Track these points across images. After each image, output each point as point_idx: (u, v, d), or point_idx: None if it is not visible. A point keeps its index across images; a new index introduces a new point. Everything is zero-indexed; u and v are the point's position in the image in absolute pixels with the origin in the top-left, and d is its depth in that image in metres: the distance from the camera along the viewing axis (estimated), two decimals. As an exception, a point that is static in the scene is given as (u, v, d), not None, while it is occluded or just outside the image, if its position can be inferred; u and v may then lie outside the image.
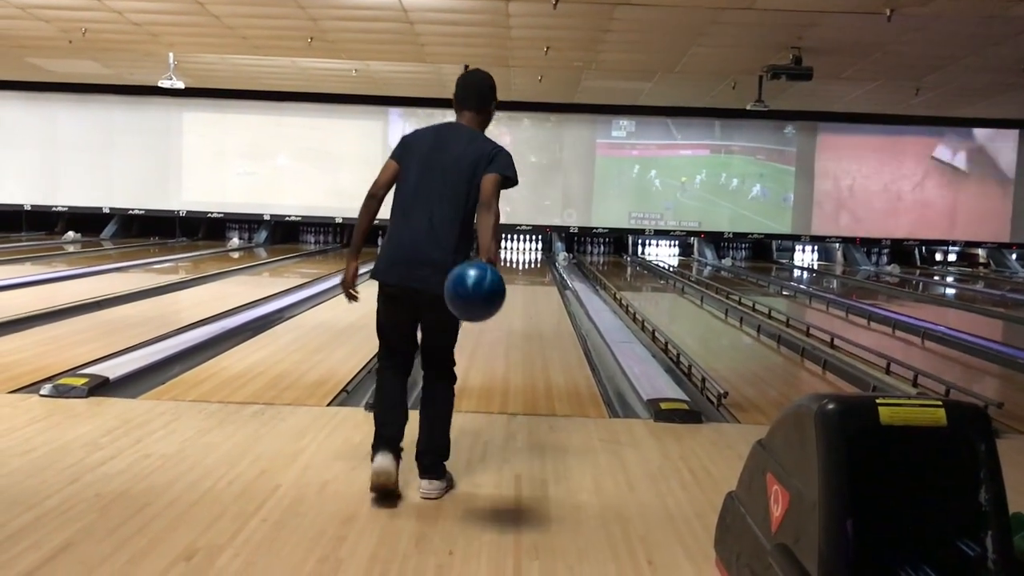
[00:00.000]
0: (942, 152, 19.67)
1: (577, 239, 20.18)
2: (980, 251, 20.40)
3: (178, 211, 19.51)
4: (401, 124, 19.32)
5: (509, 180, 3.43)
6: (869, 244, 20.23)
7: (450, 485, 3.47)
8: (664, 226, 19.75)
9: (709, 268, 17.76)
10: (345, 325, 7.85)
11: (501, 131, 19.18)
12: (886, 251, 20.47)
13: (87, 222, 19.28)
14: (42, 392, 4.74)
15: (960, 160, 19.72)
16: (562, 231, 19.70)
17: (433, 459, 3.41)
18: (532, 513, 3.27)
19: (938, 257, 20.66)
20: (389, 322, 3.53)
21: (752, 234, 19.93)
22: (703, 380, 5.71)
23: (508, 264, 17.04)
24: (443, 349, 3.49)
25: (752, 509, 2.49)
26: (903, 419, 2.09)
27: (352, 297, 3.64)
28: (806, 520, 2.07)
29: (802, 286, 14.43)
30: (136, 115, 19.11)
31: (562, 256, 17.86)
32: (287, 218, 19.67)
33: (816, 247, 20.80)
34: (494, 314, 3.03)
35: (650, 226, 19.77)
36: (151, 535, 2.91)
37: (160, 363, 5.71)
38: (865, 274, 17.89)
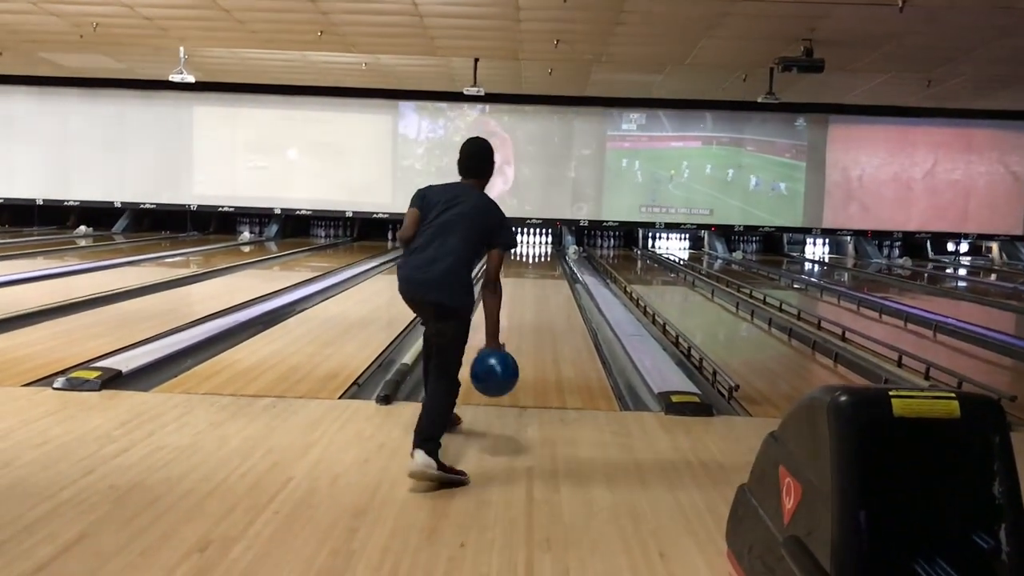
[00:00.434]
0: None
1: (587, 232, 20.16)
2: (993, 244, 20.29)
3: (189, 205, 19.57)
4: (411, 117, 19.34)
5: (510, 249, 4.17)
6: (880, 237, 20.15)
7: (443, 474, 3.44)
8: (674, 219, 19.70)
9: (720, 261, 17.72)
10: (356, 319, 7.87)
11: (512, 125, 19.18)
12: (898, 244, 20.39)
13: (99, 216, 19.37)
14: (56, 385, 4.77)
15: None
16: (572, 224, 19.68)
17: (416, 438, 3.53)
18: (543, 506, 3.27)
19: (950, 247, 20.54)
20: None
21: (763, 227, 19.87)
22: (714, 373, 5.70)
23: (518, 257, 17.04)
24: (442, 352, 3.83)
25: (764, 502, 2.49)
26: (916, 411, 2.08)
27: None
28: (819, 512, 2.07)
29: (813, 279, 14.38)
30: (147, 109, 19.18)
31: (572, 250, 17.84)
32: (297, 212, 19.72)
33: (827, 240, 20.73)
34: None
35: (660, 219, 19.73)
36: (165, 527, 2.93)
37: (172, 356, 5.74)
38: (876, 267, 17.82)
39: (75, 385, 4.75)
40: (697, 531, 3.07)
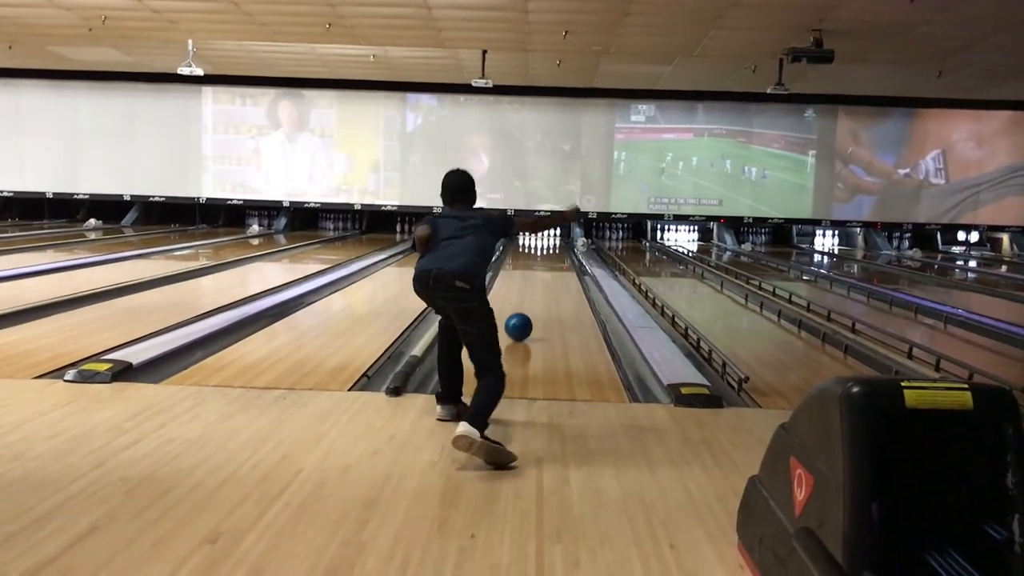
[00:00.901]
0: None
1: (596, 225, 20.13)
2: (1003, 235, 20.19)
3: (198, 198, 19.61)
4: (419, 109, 19.32)
5: (510, 230, 4.63)
6: (890, 228, 20.08)
7: (488, 443, 3.59)
8: (683, 210, 19.66)
9: (729, 253, 17.68)
10: (366, 311, 7.88)
11: (520, 117, 19.15)
12: (907, 235, 20.31)
13: (108, 209, 19.42)
14: (66, 377, 4.78)
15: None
16: (581, 217, 19.62)
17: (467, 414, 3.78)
18: (554, 497, 3.27)
19: (960, 236, 20.42)
20: None
21: (772, 219, 19.81)
22: (723, 365, 5.69)
23: (527, 250, 17.04)
24: (476, 348, 4.06)
25: (775, 493, 2.48)
26: (929, 402, 2.07)
27: None
28: (831, 504, 2.06)
29: (822, 271, 14.33)
30: (156, 102, 19.21)
31: (581, 242, 17.82)
32: (306, 205, 19.73)
33: (836, 232, 20.66)
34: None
35: (669, 211, 19.69)
36: (176, 518, 2.94)
37: (182, 349, 5.75)
38: (886, 258, 17.75)
39: (86, 377, 4.76)
40: (707, 522, 3.07)
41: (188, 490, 3.20)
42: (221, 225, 19.77)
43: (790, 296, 9.63)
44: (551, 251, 17.26)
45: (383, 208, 19.60)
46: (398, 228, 19.84)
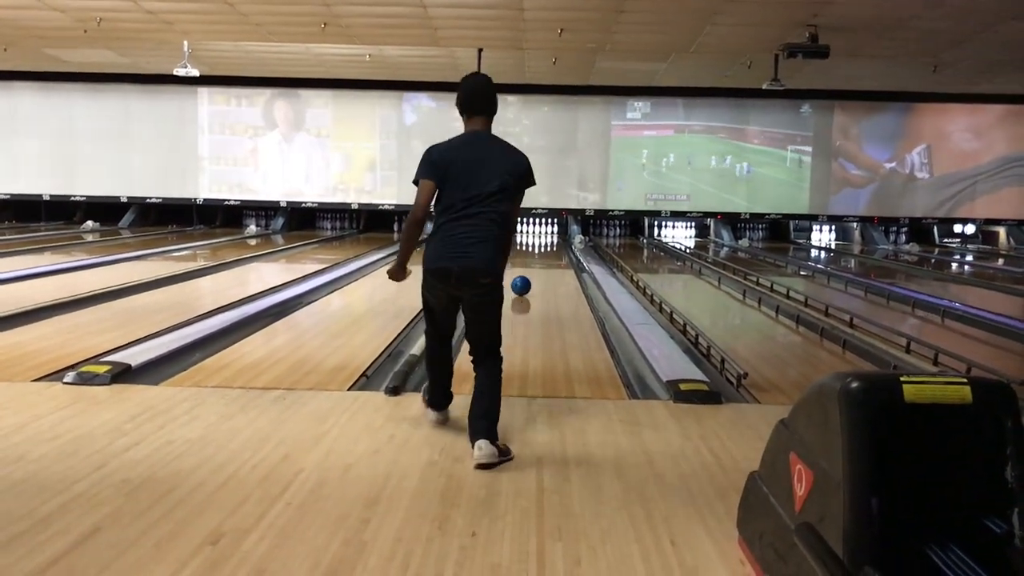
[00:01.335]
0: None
1: (593, 222, 20.14)
2: (1000, 228, 20.22)
3: (195, 199, 19.59)
4: (415, 107, 19.31)
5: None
6: (887, 223, 20.09)
7: (503, 459, 3.62)
8: (680, 207, 19.67)
9: (726, 249, 17.69)
10: (364, 310, 7.88)
11: (517, 115, 19.14)
12: (904, 230, 20.33)
13: (105, 211, 19.40)
14: (66, 380, 4.78)
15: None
16: (578, 214, 19.65)
17: (480, 425, 3.69)
18: (554, 495, 3.28)
19: (956, 229, 20.45)
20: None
21: (769, 214, 19.82)
22: (722, 361, 5.70)
23: (525, 248, 17.03)
24: (488, 329, 3.92)
25: (775, 489, 2.49)
26: (928, 397, 2.08)
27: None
28: (831, 499, 2.07)
29: (820, 266, 14.35)
30: (152, 103, 19.19)
31: (578, 239, 17.82)
32: (303, 205, 19.72)
33: (833, 227, 20.68)
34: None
35: (666, 208, 19.70)
36: (177, 519, 2.94)
37: (181, 350, 5.75)
38: (883, 253, 17.77)
39: (85, 380, 4.76)
40: (708, 519, 3.07)
41: (189, 491, 3.21)
42: (218, 226, 19.76)
43: (788, 291, 9.64)
44: (549, 249, 17.27)
45: (380, 207, 19.60)
46: (395, 227, 19.83)
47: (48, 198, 19.59)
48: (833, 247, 19.68)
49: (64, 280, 9.48)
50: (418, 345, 5.87)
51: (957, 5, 10.65)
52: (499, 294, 3.89)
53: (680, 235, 20.42)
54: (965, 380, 2.12)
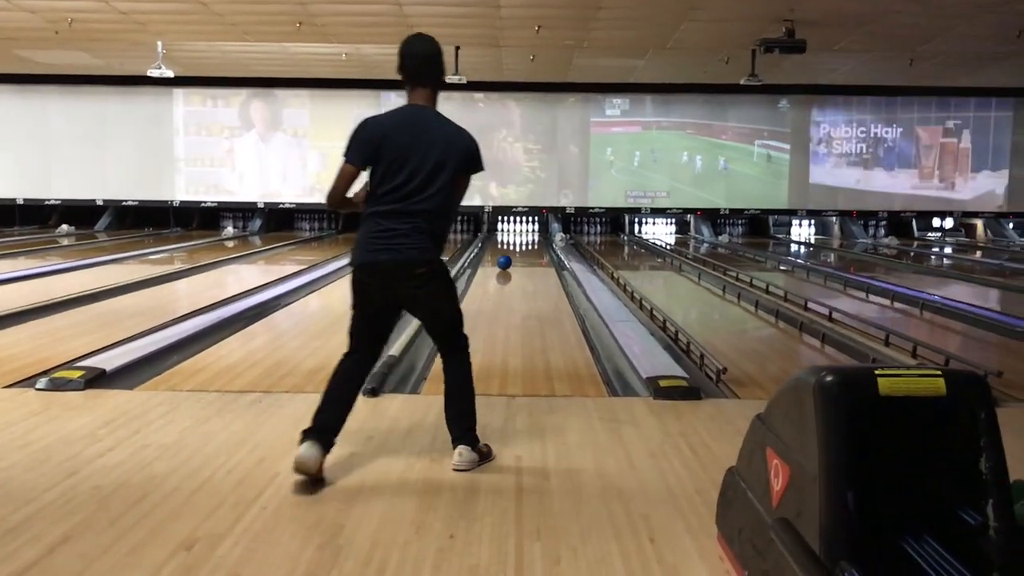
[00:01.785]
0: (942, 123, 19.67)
1: (573, 220, 20.13)
2: (977, 221, 20.39)
3: (172, 201, 19.45)
4: (393, 106, 19.21)
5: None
6: (866, 217, 20.21)
7: (481, 463, 3.53)
8: (660, 204, 19.70)
9: (706, 245, 17.74)
10: (342, 311, 7.78)
11: (495, 113, 19.11)
12: (883, 223, 20.45)
13: (81, 214, 19.22)
14: (38, 386, 4.72)
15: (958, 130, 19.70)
16: (558, 212, 19.64)
17: (456, 429, 3.57)
18: (533, 494, 3.26)
19: (935, 223, 20.61)
20: None
21: (748, 210, 19.89)
22: (702, 356, 5.69)
23: (505, 246, 17.01)
24: (443, 323, 3.62)
25: (753, 484, 2.48)
26: (902, 389, 2.07)
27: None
28: (807, 494, 2.06)
29: (799, 260, 14.41)
30: (127, 105, 19.03)
31: (559, 237, 17.81)
32: (281, 205, 19.61)
33: (813, 221, 20.78)
34: None
35: (646, 204, 19.73)
36: (151, 526, 2.90)
37: (157, 353, 5.69)
38: (862, 247, 17.87)
39: (58, 385, 4.70)
40: (687, 515, 3.06)
41: (163, 497, 3.17)
42: (195, 228, 19.62)
43: (767, 286, 9.67)
44: (529, 247, 17.25)
45: (359, 210, 19.47)
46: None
47: (22, 202, 19.39)
48: (812, 242, 19.77)
49: (39, 285, 9.37)
50: (397, 346, 5.84)
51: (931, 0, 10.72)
52: (440, 282, 3.50)
53: (660, 232, 20.45)
54: (939, 372, 2.11)
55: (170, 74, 14.62)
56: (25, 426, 4.03)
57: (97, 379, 4.85)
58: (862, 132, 19.70)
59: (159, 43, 13.85)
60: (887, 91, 18.83)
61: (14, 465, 3.48)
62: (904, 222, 20.30)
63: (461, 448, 3.49)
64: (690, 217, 20.24)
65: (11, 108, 19.09)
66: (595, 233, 20.28)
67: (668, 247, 16.69)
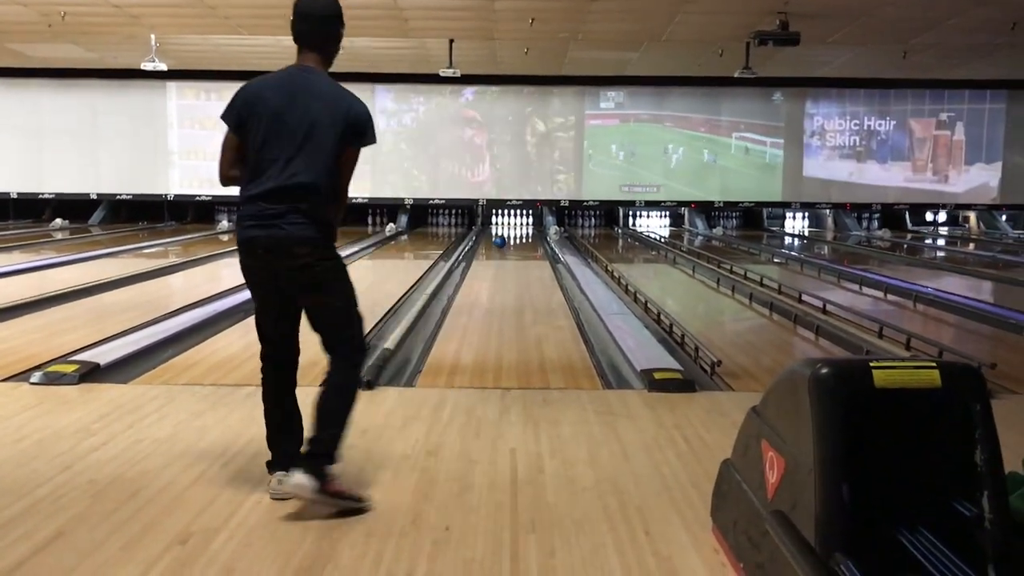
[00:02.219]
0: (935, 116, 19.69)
1: (568, 212, 20.11)
2: (970, 213, 20.42)
3: (166, 195, 19.39)
4: (388, 100, 19.20)
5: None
6: (859, 209, 20.22)
7: (331, 498, 2.94)
8: (655, 196, 19.69)
9: (700, 238, 17.74)
10: (337, 304, 7.80)
11: (489, 106, 19.07)
12: (876, 216, 20.47)
13: (75, 208, 19.14)
14: (32, 380, 4.70)
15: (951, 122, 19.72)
16: (552, 205, 19.63)
17: (304, 447, 3.10)
18: (528, 487, 3.26)
19: (928, 217, 20.65)
20: None
21: (743, 203, 19.89)
22: (696, 349, 5.70)
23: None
24: (334, 315, 3.21)
25: (748, 476, 2.48)
26: (897, 382, 2.07)
27: None
28: (802, 486, 2.06)
29: (793, 253, 14.42)
30: (121, 99, 18.94)
31: (553, 230, 17.80)
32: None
33: (807, 214, 20.79)
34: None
35: (641, 197, 19.72)
36: (145, 520, 2.89)
37: (151, 347, 5.67)
38: (856, 239, 17.89)
39: (52, 379, 4.69)
40: (682, 507, 3.06)
41: (157, 491, 3.16)
42: (190, 221, 19.56)
43: (761, 279, 9.68)
44: (523, 240, 17.24)
45: (353, 200, 19.45)
46: (369, 221, 19.72)
47: (16, 196, 19.30)
48: (806, 234, 19.79)
49: (33, 279, 9.35)
50: (392, 339, 5.84)
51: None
52: (328, 272, 3.05)
53: (654, 224, 20.45)
54: (934, 364, 2.12)
55: (164, 68, 14.57)
56: (19, 420, 4.02)
57: (91, 373, 4.83)
58: (856, 125, 19.70)
59: (152, 37, 13.79)
60: (881, 84, 18.82)
61: (7, 460, 3.47)
62: (897, 214, 20.32)
63: (293, 471, 2.90)
64: (684, 210, 20.24)
65: (3, 102, 18.98)
66: (589, 226, 20.27)
67: (662, 240, 16.69)
